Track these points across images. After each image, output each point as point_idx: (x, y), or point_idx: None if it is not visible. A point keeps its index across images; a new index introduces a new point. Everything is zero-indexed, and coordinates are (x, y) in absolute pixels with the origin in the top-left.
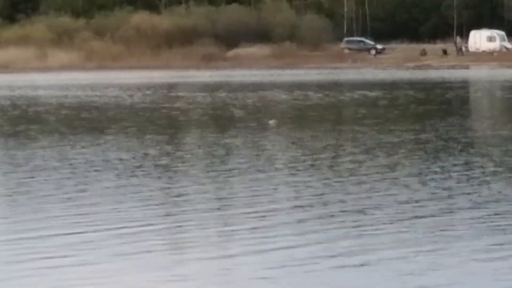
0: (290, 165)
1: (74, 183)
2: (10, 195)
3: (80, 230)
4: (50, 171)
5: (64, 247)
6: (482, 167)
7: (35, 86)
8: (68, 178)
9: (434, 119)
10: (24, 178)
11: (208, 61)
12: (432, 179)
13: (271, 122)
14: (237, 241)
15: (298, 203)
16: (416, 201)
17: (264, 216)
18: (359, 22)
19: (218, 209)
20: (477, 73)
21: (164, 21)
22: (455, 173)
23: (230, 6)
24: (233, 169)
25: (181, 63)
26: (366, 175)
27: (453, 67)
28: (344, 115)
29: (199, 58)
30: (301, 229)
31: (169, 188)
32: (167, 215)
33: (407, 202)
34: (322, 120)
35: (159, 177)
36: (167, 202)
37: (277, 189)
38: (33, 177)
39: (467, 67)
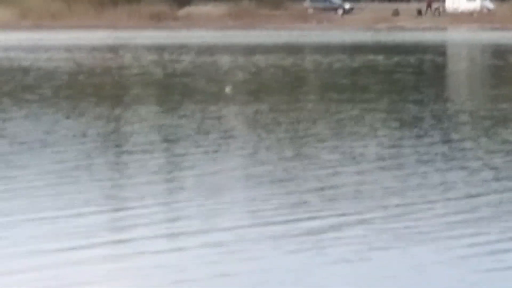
0: (241, 138)
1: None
2: None
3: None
4: None
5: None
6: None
7: None
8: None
9: (406, 91)
10: None
11: (157, 20)
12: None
13: (227, 89)
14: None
15: (250, 183)
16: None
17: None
18: None
19: (168, 191)
20: (456, 35)
21: None
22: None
23: None
24: (180, 148)
25: (127, 23)
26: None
27: (429, 29)
28: (305, 83)
29: (147, 17)
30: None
31: (117, 169)
32: (111, 199)
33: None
34: (281, 88)
35: (106, 158)
36: (112, 187)
37: (228, 165)
38: None
39: (444, 29)
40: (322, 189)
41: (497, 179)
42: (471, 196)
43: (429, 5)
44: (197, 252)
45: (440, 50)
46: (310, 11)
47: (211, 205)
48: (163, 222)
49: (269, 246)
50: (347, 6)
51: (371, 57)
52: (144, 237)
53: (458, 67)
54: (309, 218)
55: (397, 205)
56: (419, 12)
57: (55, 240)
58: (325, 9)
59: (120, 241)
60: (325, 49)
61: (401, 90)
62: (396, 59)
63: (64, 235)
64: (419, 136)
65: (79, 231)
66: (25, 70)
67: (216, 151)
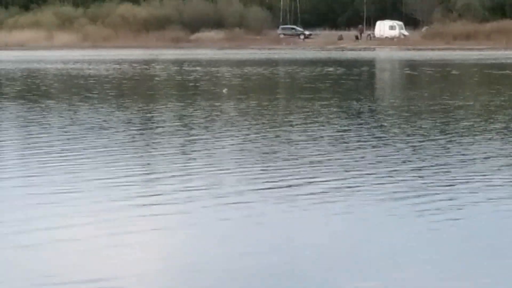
0: (237, 125)
1: (73, 141)
2: (23, 149)
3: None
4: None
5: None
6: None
7: (46, 60)
8: (75, 137)
9: (350, 92)
10: (37, 135)
11: (176, 42)
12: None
13: (224, 90)
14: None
15: (243, 157)
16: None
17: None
18: (292, 13)
19: (189, 162)
20: (382, 54)
21: (142, 11)
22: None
23: (193, 0)
24: (195, 131)
25: (155, 44)
26: (295, 131)
27: (363, 49)
28: (280, 86)
29: (169, 40)
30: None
31: (146, 144)
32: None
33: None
34: (263, 89)
35: (144, 139)
36: (149, 159)
37: (229, 143)
38: (43, 133)
39: (373, 49)
40: (294, 161)
41: (414, 155)
42: (396, 167)
43: (360, 33)
44: (212, 210)
45: (371, 64)
46: (281, 36)
47: (220, 173)
48: (185, 187)
49: (269, 204)
50: (307, 33)
51: (324, 68)
52: (170, 198)
53: (384, 76)
54: (292, 183)
55: (348, 175)
56: (357, 37)
57: (107, 199)
58: (291, 35)
59: (153, 203)
60: (293, 63)
61: (346, 91)
62: (341, 70)
63: (111, 195)
64: (360, 124)
65: (123, 192)
66: (87, 77)
67: (220, 134)
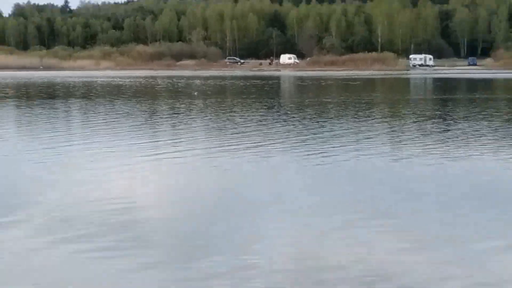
0: (205, 113)
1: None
2: (82, 127)
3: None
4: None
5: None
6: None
7: (95, 77)
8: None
9: (268, 94)
10: (90, 120)
11: (168, 67)
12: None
13: (195, 93)
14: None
15: (207, 135)
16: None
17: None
18: (233, 50)
19: (177, 133)
20: (284, 73)
21: (150, 49)
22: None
23: (177, 43)
24: (181, 117)
25: (157, 67)
26: (236, 118)
27: (273, 70)
28: (228, 91)
29: (164, 65)
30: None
31: (151, 127)
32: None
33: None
34: (219, 93)
35: (150, 122)
36: (153, 134)
37: (201, 124)
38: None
39: (279, 71)
40: (238, 134)
41: (305, 130)
42: (295, 138)
43: (271, 61)
44: (191, 162)
45: (278, 78)
46: (228, 63)
47: (196, 141)
48: (175, 149)
49: (226, 158)
50: (242, 61)
51: (252, 81)
52: (167, 156)
53: (286, 85)
54: (251, 144)
55: (269, 142)
56: (270, 64)
57: (131, 156)
58: (233, 62)
59: (158, 159)
60: (234, 78)
61: (265, 94)
62: (262, 82)
63: (133, 153)
64: (274, 112)
65: (140, 152)
66: (119, 86)
67: (194, 118)
